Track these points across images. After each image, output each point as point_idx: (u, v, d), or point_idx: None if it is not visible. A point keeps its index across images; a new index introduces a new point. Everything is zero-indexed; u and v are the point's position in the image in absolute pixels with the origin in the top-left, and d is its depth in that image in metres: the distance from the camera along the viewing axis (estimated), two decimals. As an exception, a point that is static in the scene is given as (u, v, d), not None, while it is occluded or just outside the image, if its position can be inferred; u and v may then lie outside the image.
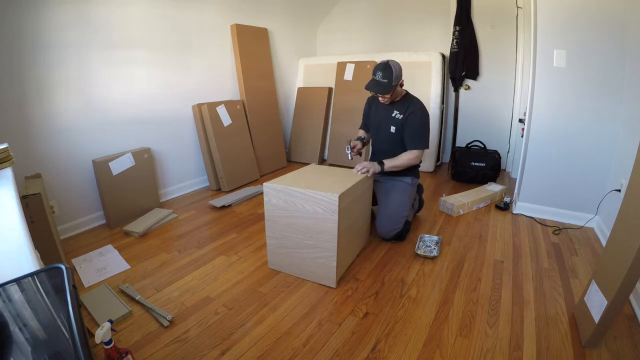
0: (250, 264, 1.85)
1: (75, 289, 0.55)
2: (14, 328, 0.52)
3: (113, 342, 1.05)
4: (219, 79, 3.19)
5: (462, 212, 2.45)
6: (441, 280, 1.68)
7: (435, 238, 2.03)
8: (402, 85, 2.00)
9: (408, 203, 2.07)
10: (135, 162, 2.44)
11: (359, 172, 1.86)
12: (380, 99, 2.02)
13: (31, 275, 0.59)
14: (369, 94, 2.15)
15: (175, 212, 2.53)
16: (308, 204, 1.57)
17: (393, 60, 1.93)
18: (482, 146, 3.22)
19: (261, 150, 3.45)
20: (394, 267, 1.81)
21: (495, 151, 3.16)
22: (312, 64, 4.06)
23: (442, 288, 1.62)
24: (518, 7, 3.13)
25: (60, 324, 0.52)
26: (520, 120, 3.05)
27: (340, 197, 1.49)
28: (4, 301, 0.55)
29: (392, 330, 1.36)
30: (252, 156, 3.30)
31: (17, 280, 0.57)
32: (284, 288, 1.64)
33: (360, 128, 2.35)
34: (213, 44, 3.07)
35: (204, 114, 2.89)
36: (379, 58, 3.54)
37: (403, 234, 2.03)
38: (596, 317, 1.19)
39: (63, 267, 0.57)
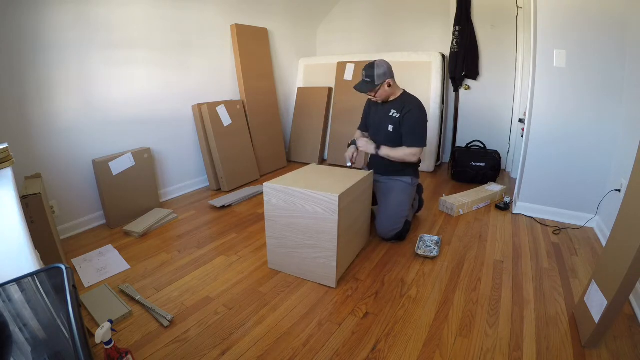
0: (250, 264, 1.85)
1: (75, 289, 0.55)
2: (14, 328, 0.52)
3: (113, 342, 1.05)
4: (219, 79, 3.19)
5: (462, 212, 2.45)
6: (441, 280, 1.68)
7: (435, 238, 2.03)
8: (390, 85, 1.98)
9: (408, 203, 2.07)
10: (135, 162, 2.44)
11: (350, 158, 2.09)
12: (371, 97, 2.05)
13: (31, 275, 0.59)
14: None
15: (175, 212, 2.53)
16: (308, 204, 1.57)
17: (381, 60, 1.98)
18: (482, 146, 3.22)
19: (261, 150, 3.45)
20: (394, 267, 1.81)
21: (495, 151, 3.16)
22: (312, 64, 4.06)
23: (442, 288, 1.62)
24: (518, 7, 3.13)
25: (60, 324, 0.52)
26: (520, 120, 3.05)
27: (340, 197, 1.49)
28: (4, 301, 0.55)
29: (392, 330, 1.36)
30: (252, 156, 3.30)
31: (17, 280, 0.57)
32: (284, 288, 1.64)
33: (359, 128, 2.36)
34: (213, 44, 3.07)
35: (204, 114, 2.89)
36: (379, 58, 3.54)
37: (403, 234, 2.03)
38: (596, 317, 1.19)
39: (63, 267, 0.57)
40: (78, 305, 0.52)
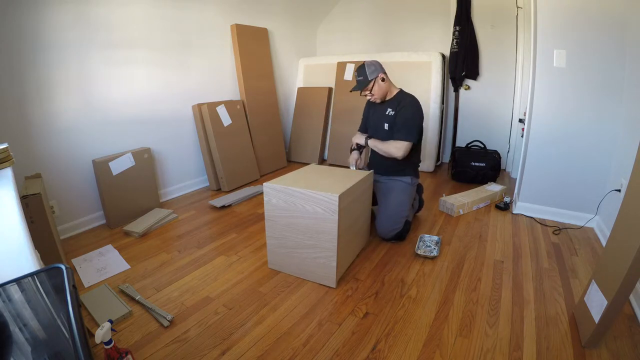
0: (250, 264, 1.85)
1: (75, 289, 0.55)
2: (14, 328, 0.52)
3: (113, 342, 1.05)
4: (219, 79, 3.19)
5: (462, 212, 2.45)
6: (441, 280, 1.68)
7: (435, 238, 2.03)
8: (383, 80, 2.02)
9: (408, 203, 2.07)
10: (135, 162, 2.44)
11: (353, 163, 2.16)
12: (368, 97, 2.08)
13: (31, 275, 0.59)
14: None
15: (175, 212, 2.53)
16: (308, 204, 1.57)
17: (369, 60, 2.05)
18: (482, 146, 3.22)
19: (261, 150, 3.45)
20: (394, 267, 1.81)
21: (495, 151, 3.16)
22: (312, 64, 4.06)
23: (442, 288, 1.62)
24: (518, 7, 3.13)
25: (60, 324, 0.52)
26: (520, 120, 3.05)
27: (340, 197, 1.49)
28: (4, 301, 0.55)
29: (392, 330, 1.36)
30: (252, 156, 3.30)
31: (17, 280, 0.57)
32: (284, 288, 1.64)
33: (359, 129, 2.36)
34: (213, 44, 3.07)
35: (204, 114, 2.89)
36: (379, 58, 3.54)
37: (403, 234, 2.03)
38: (596, 317, 1.19)
39: (63, 267, 0.57)
40: (78, 305, 0.52)
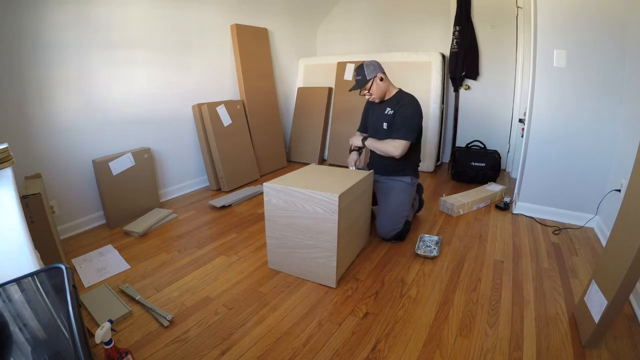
0: (250, 264, 1.85)
1: (75, 289, 0.55)
2: (14, 328, 0.52)
3: (113, 342, 1.05)
4: (219, 79, 3.19)
5: (462, 212, 2.45)
6: (441, 280, 1.68)
7: (435, 238, 2.03)
8: (382, 79, 2.02)
9: (408, 203, 2.07)
10: (135, 162, 2.44)
11: (352, 164, 2.17)
12: (367, 96, 2.08)
13: (31, 275, 0.59)
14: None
15: (175, 212, 2.53)
16: (308, 204, 1.57)
17: (368, 59, 2.06)
18: (482, 146, 3.22)
19: (261, 150, 3.45)
20: (394, 267, 1.81)
21: (495, 151, 3.16)
22: (312, 64, 4.06)
23: (442, 288, 1.62)
24: (518, 7, 3.13)
25: (60, 324, 0.52)
26: (520, 120, 3.05)
27: (340, 197, 1.49)
28: (4, 301, 0.55)
29: (392, 330, 1.36)
30: (252, 156, 3.30)
31: (17, 280, 0.57)
32: (284, 288, 1.64)
33: (358, 129, 2.37)
34: (213, 44, 3.07)
35: (204, 114, 2.89)
36: (379, 58, 3.53)
37: (403, 234, 2.03)
38: (596, 317, 1.19)
39: (63, 267, 0.57)
40: (78, 305, 0.52)
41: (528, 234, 2.14)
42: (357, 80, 2.03)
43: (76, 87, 2.19)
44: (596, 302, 1.22)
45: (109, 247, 2.06)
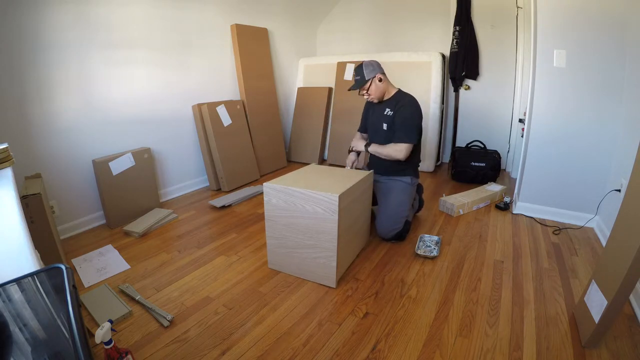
0: (250, 264, 1.85)
1: (75, 289, 0.55)
2: (14, 328, 0.52)
3: (113, 342, 1.05)
4: (219, 79, 3.19)
5: (462, 212, 2.45)
6: (441, 280, 1.68)
7: (435, 238, 2.03)
8: (381, 80, 2.02)
9: (408, 203, 2.07)
10: (135, 162, 2.44)
11: (350, 165, 2.15)
12: (365, 96, 2.08)
13: (31, 275, 0.59)
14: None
15: (175, 212, 2.53)
16: (308, 204, 1.57)
17: (367, 60, 2.06)
18: (482, 146, 3.22)
19: (261, 150, 3.45)
20: (394, 267, 1.81)
21: (495, 151, 3.16)
22: (312, 64, 4.06)
23: (442, 288, 1.62)
24: (518, 7, 3.13)
25: (60, 324, 0.52)
26: (520, 120, 3.05)
27: (340, 197, 1.49)
28: (4, 301, 0.55)
29: (392, 330, 1.36)
30: (252, 156, 3.30)
31: (17, 280, 0.57)
32: (284, 288, 1.64)
33: (358, 130, 2.37)
34: (213, 44, 3.07)
35: (204, 114, 2.89)
36: (379, 58, 3.53)
37: (403, 234, 2.03)
38: (596, 317, 1.19)
39: (63, 267, 0.57)
40: (78, 305, 0.52)
41: (528, 234, 2.14)
42: (356, 80, 2.04)
43: (76, 87, 2.19)
44: (596, 302, 1.22)
45: (109, 247, 2.06)
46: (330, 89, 3.86)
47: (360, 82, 2.01)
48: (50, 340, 0.54)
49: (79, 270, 1.81)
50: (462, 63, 3.35)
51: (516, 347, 1.26)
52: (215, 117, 2.92)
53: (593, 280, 1.29)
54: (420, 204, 2.41)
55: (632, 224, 1.13)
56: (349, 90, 2.15)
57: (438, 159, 3.62)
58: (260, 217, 2.42)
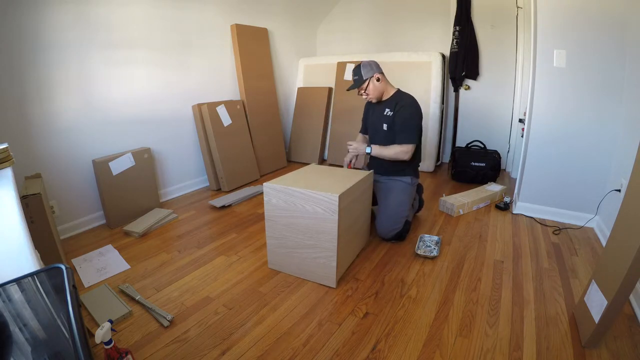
0: (250, 264, 1.85)
1: (75, 289, 0.55)
2: (14, 328, 0.52)
3: (113, 342, 1.05)
4: (219, 79, 3.19)
5: (462, 212, 2.45)
6: (441, 280, 1.68)
7: (435, 238, 2.03)
8: (379, 80, 2.02)
9: (408, 203, 2.07)
10: (135, 162, 2.44)
11: (348, 163, 2.10)
12: (363, 96, 2.09)
13: (31, 275, 0.59)
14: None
15: (175, 212, 2.53)
16: (308, 204, 1.57)
17: (366, 60, 2.06)
18: (482, 146, 3.22)
19: (261, 150, 3.45)
20: (394, 267, 1.81)
21: (495, 151, 3.16)
22: (312, 64, 4.06)
23: (442, 288, 1.62)
24: (518, 7, 3.13)
25: (60, 324, 0.52)
26: (520, 120, 3.05)
27: (340, 197, 1.49)
28: (4, 301, 0.55)
29: (392, 330, 1.36)
30: (252, 156, 3.30)
31: (17, 280, 0.57)
32: (284, 288, 1.64)
33: (360, 132, 2.37)
34: (213, 44, 3.07)
35: (204, 114, 2.89)
36: (379, 58, 3.54)
37: (403, 234, 2.03)
38: (596, 317, 1.19)
39: (63, 267, 0.57)
40: (78, 305, 0.52)
41: (528, 234, 2.14)
42: (354, 81, 2.04)
43: (76, 87, 2.19)
44: (596, 302, 1.22)
45: (109, 247, 2.06)
46: (330, 89, 3.86)
47: (358, 82, 2.02)
48: (50, 340, 0.54)
49: (79, 270, 1.81)
50: (462, 63, 3.35)
51: (516, 347, 1.26)
52: (215, 117, 2.92)
53: (593, 280, 1.29)
54: (420, 204, 2.41)
55: (632, 224, 1.13)
56: (348, 90, 2.15)
57: (438, 159, 3.62)
58: (260, 217, 2.42)
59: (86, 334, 0.50)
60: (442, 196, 2.58)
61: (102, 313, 1.44)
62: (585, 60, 2.03)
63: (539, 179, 2.33)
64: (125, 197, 2.39)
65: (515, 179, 2.82)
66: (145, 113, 2.61)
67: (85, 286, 1.67)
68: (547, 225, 2.24)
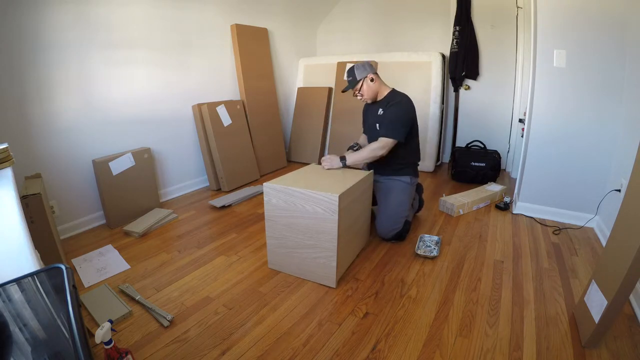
0: (250, 264, 1.85)
1: (75, 289, 0.55)
2: (14, 328, 0.52)
3: (113, 342, 1.05)
4: (219, 79, 3.19)
5: (462, 212, 2.45)
6: (441, 280, 1.68)
7: (435, 238, 2.03)
8: (373, 80, 2.00)
9: (407, 203, 2.07)
10: (135, 162, 2.44)
11: (324, 166, 1.99)
12: (358, 97, 2.08)
13: (31, 275, 0.59)
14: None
15: (175, 212, 2.53)
16: (308, 204, 1.57)
17: (362, 60, 2.02)
18: (482, 146, 3.22)
19: (261, 150, 3.45)
20: (394, 267, 1.81)
21: (495, 151, 3.16)
22: (312, 64, 4.06)
23: (442, 288, 1.62)
24: (518, 7, 3.13)
25: (60, 324, 0.52)
26: (520, 120, 3.05)
27: (340, 197, 1.49)
28: (4, 301, 0.55)
29: (392, 330, 1.36)
30: (252, 156, 3.30)
31: (17, 280, 0.57)
32: (284, 288, 1.64)
33: (363, 132, 2.36)
34: (213, 44, 3.07)
35: (204, 114, 2.89)
36: (379, 58, 3.55)
37: (403, 234, 2.03)
38: (596, 317, 1.19)
39: (63, 267, 0.57)
40: (78, 305, 0.52)
41: (528, 234, 2.14)
42: (348, 82, 2.04)
43: (76, 87, 2.19)
44: (596, 302, 1.22)
45: (109, 247, 2.06)
46: (330, 89, 3.86)
47: (352, 83, 2.01)
48: (50, 340, 0.54)
49: (79, 270, 1.81)
50: (462, 63, 3.35)
51: (516, 347, 1.26)
52: (215, 117, 2.92)
53: (593, 280, 1.29)
54: (420, 204, 2.40)
55: (632, 224, 1.13)
56: (343, 91, 2.15)
57: (438, 159, 3.62)
58: (260, 217, 2.42)
59: (86, 334, 0.50)
60: (442, 196, 2.58)
61: (102, 313, 1.44)
62: (585, 60, 2.03)
63: (539, 179, 2.33)
64: (125, 197, 2.39)
65: (515, 179, 2.82)
66: (145, 113, 2.61)
67: (85, 286, 1.67)
68: (547, 225, 2.24)
